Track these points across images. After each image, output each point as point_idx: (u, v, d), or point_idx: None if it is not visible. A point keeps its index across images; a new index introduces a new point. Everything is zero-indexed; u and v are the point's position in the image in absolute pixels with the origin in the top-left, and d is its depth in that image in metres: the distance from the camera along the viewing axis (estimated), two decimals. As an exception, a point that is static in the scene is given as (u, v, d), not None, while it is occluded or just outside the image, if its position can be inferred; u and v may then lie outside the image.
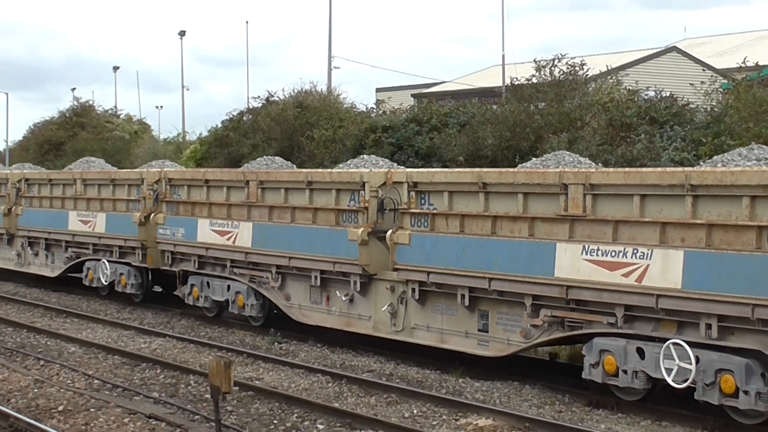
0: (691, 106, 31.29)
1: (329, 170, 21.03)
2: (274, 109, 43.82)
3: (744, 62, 31.93)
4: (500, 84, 47.28)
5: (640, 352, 14.38)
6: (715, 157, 16.87)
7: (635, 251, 14.29)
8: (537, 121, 31.80)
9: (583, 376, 15.12)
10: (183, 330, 21.83)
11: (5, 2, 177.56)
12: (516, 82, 36.65)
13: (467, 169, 18.58)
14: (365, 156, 22.38)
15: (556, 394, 15.77)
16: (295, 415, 14.64)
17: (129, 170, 30.10)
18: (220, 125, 48.06)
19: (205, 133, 53.88)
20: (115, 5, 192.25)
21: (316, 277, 19.49)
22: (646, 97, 32.68)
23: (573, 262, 15.04)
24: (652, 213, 14.24)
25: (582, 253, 14.92)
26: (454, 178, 17.09)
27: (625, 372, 14.51)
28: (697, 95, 32.58)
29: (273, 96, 46.58)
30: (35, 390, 16.16)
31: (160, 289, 26.06)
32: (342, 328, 19.24)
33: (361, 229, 18.23)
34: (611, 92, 34.28)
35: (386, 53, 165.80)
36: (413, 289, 17.58)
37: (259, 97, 48.14)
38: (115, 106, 76.08)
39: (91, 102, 71.48)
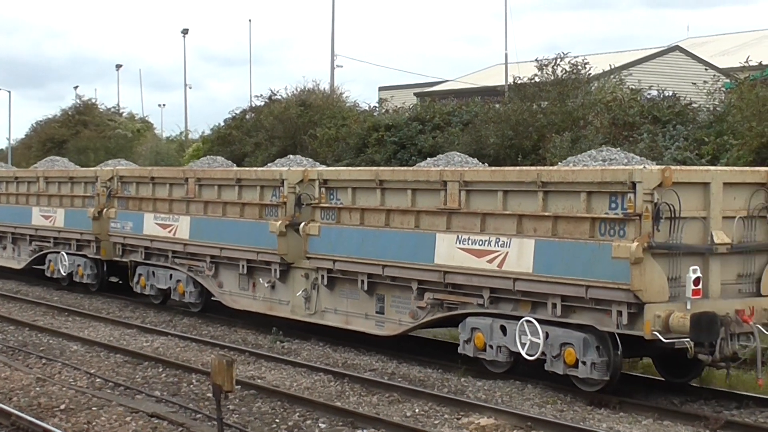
0: (693, 105, 34.81)
1: (255, 168, 26.11)
2: (277, 108, 48.59)
3: (747, 61, 35.59)
4: (503, 83, 51.57)
5: (503, 330, 18.75)
6: (569, 158, 21.43)
7: (497, 240, 18.76)
8: (540, 120, 35.81)
9: (459, 351, 19.58)
10: (185, 329, 24.62)
11: (9, 1, 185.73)
12: (519, 81, 40.60)
13: (367, 168, 23.50)
14: (291, 156, 27.34)
15: (558, 393, 17.86)
16: (297, 414, 16.27)
17: (85, 168, 35.45)
18: (222, 123, 53.33)
19: (207, 132, 59.16)
20: (119, 3, 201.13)
21: (243, 266, 24.43)
22: (648, 97, 36.33)
23: (449, 251, 19.60)
24: (513, 207, 18.64)
25: (456, 242, 19.46)
26: (357, 175, 21.95)
27: (491, 347, 18.91)
28: (699, 95, 35.99)
29: (276, 94, 51.67)
30: (37, 388, 17.71)
31: (117, 280, 30.97)
32: (265, 312, 24.13)
33: (280, 221, 23.08)
34: (614, 91, 37.89)
35: (389, 52, 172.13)
36: (323, 276, 22.38)
37: (261, 95, 53.47)
38: (118, 105, 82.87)
39: (93, 100, 78.07)
